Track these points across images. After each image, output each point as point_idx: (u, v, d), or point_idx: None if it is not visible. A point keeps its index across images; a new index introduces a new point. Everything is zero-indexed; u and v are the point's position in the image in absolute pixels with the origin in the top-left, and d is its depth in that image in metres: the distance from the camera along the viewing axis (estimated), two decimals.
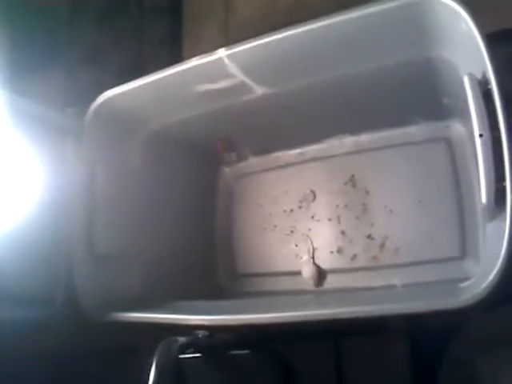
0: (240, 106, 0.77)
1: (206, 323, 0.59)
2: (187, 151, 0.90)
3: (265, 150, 0.93)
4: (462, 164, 0.76)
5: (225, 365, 0.62)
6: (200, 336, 0.59)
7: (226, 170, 0.98)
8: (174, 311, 0.65)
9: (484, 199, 0.48)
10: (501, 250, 0.46)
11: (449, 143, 0.78)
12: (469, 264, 0.73)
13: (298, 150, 0.91)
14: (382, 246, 0.79)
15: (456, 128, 0.77)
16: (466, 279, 0.71)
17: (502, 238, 0.46)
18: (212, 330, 0.60)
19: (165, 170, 0.85)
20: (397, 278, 0.77)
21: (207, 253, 0.93)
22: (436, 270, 0.75)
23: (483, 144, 0.48)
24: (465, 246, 0.74)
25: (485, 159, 0.48)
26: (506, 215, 0.46)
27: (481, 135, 0.48)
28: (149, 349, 0.58)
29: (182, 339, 0.57)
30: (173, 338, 0.56)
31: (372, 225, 0.81)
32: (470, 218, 0.73)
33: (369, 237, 0.81)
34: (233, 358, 0.62)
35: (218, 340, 0.61)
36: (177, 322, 0.61)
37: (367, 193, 0.82)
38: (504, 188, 0.48)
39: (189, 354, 0.59)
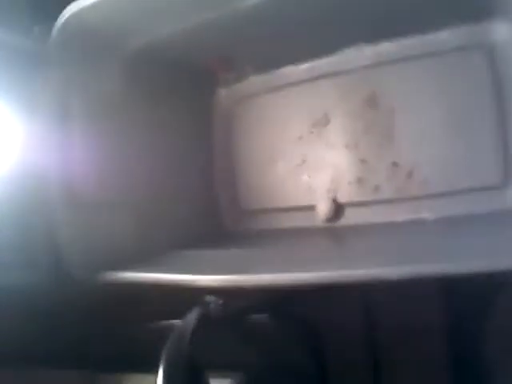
0: (236, 14, 0.62)
1: (216, 284, 0.50)
2: (176, 74, 0.75)
3: (268, 66, 0.79)
4: (507, 76, 0.63)
5: (243, 335, 0.54)
6: (212, 306, 0.50)
7: (223, 92, 0.84)
8: (175, 267, 0.56)
9: None
10: None
11: (490, 50, 0.64)
12: None
13: (306, 65, 0.77)
14: (410, 174, 0.69)
15: (499, 31, 0.64)
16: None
17: None
18: (223, 292, 0.51)
19: (151, 97, 0.72)
20: (427, 211, 0.68)
21: (207, 191, 0.82)
22: (473, 200, 0.65)
23: None
24: (508, 173, 0.63)
25: None
26: None
27: None
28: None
29: (191, 322, 0.48)
30: (181, 326, 0.47)
31: (397, 151, 0.70)
32: None
33: (394, 164, 0.70)
34: (251, 326, 0.54)
35: (232, 308, 0.53)
36: (181, 282, 0.51)
37: (391, 113, 0.70)
38: None
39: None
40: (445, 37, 0.67)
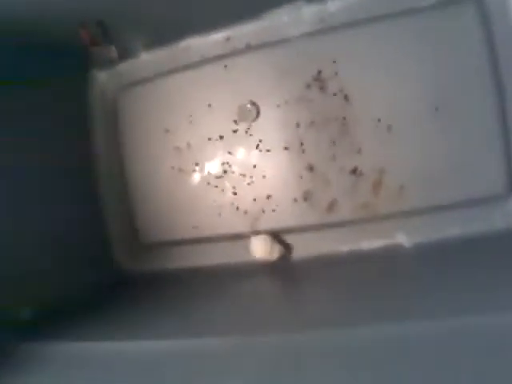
0: None
1: None
2: (31, 54, 0.48)
3: (165, 37, 0.54)
4: (505, 42, 0.46)
5: None
6: None
7: (102, 75, 0.59)
8: None
9: None
10: None
11: (480, 4, 0.46)
12: None
13: (220, 35, 0.53)
14: (378, 184, 0.49)
15: None
16: None
17: None
18: None
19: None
20: (403, 234, 0.49)
21: (89, 223, 0.56)
22: (463, 216, 0.47)
23: None
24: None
25: None
26: None
27: None
28: None
29: None
30: None
31: (358, 151, 0.49)
32: None
33: (354, 172, 0.50)
34: None
35: None
36: None
37: (347, 99, 0.50)
38: None
39: None
40: None
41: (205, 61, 0.54)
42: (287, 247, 0.51)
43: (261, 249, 0.50)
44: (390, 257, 0.48)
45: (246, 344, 0.33)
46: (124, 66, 0.58)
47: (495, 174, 0.46)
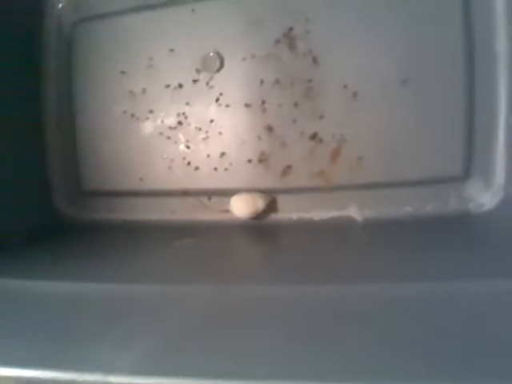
0: None
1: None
2: None
3: None
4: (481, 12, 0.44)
5: None
6: None
7: (59, 5, 0.54)
8: None
9: None
10: None
11: None
12: (476, 189, 0.45)
13: None
14: (336, 153, 0.47)
15: None
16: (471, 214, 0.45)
17: None
18: None
19: None
20: (355, 206, 0.48)
21: (32, 167, 0.52)
22: (418, 195, 0.46)
23: None
24: (472, 159, 0.45)
25: None
26: None
27: None
28: None
29: None
30: None
31: (321, 117, 0.47)
32: (486, 110, 0.44)
33: (314, 137, 0.48)
34: None
35: None
36: None
37: (315, 60, 0.47)
38: None
39: None
40: None
41: (171, 2, 0.51)
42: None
43: (241, 206, 0.48)
44: (339, 229, 0.47)
45: (179, 293, 0.31)
46: (79, 1, 0.53)
47: (455, 157, 0.45)
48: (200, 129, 0.50)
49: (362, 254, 0.39)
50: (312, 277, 0.33)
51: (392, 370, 0.22)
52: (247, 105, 0.49)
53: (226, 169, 0.50)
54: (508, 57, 0.43)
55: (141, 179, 0.52)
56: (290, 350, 0.24)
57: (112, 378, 0.23)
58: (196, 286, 0.32)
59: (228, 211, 0.50)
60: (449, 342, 0.23)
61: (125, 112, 0.52)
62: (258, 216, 0.49)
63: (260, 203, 0.48)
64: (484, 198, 0.44)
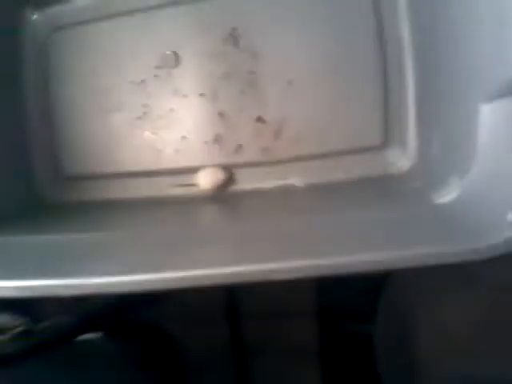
0: None
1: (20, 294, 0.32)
2: None
3: None
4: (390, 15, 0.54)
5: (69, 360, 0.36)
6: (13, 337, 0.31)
7: (35, 17, 0.62)
8: None
9: None
10: None
11: None
12: (395, 155, 0.54)
13: None
14: (278, 132, 0.56)
15: None
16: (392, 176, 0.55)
17: None
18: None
19: None
20: (296, 176, 0.57)
21: (17, 152, 0.60)
22: (347, 163, 0.55)
23: None
24: (389, 133, 0.55)
25: None
26: None
27: None
28: None
29: None
30: None
31: (263, 103, 0.56)
32: (397, 89, 0.53)
33: (259, 120, 0.57)
34: (79, 349, 0.37)
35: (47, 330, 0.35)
36: None
37: (255, 55, 0.56)
38: None
39: None
40: None
41: (133, 10, 0.59)
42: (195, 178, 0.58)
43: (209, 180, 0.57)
44: (285, 194, 0.56)
45: None
46: (58, 8, 0.61)
47: (374, 129, 0.54)
48: (162, 117, 0.59)
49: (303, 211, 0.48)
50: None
51: None
52: (201, 94, 0.57)
53: (186, 150, 0.58)
54: (411, 41, 0.53)
55: (115, 162, 0.60)
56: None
57: None
58: None
59: (193, 185, 0.58)
60: None
61: (97, 106, 0.60)
62: (219, 188, 0.57)
63: (220, 175, 0.57)
64: (401, 161, 0.54)
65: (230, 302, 0.58)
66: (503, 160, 0.32)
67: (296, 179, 0.56)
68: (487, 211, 0.30)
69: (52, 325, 0.37)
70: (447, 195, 0.36)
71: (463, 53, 0.38)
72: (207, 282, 0.32)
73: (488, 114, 0.33)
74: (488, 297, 0.46)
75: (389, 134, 0.54)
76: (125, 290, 0.33)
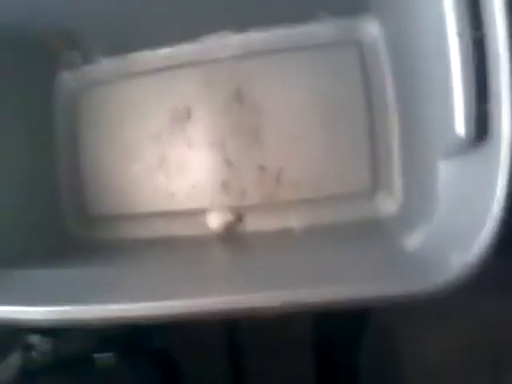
0: None
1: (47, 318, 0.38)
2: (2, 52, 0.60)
3: (121, 48, 0.67)
4: (376, 76, 0.61)
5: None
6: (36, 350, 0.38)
7: (67, 75, 0.71)
8: None
9: (460, 126, 0.33)
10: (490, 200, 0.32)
11: (361, 47, 0.61)
12: (381, 201, 0.60)
13: (165, 51, 0.67)
14: (278, 178, 0.63)
15: (371, 28, 0.61)
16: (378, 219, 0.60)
17: (492, 183, 0.32)
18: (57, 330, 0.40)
19: None
20: (294, 219, 0.63)
21: (48, 194, 0.68)
22: (341, 208, 0.62)
23: (463, 45, 0.32)
24: (377, 179, 0.61)
25: (465, 69, 0.32)
26: (493, 148, 0.32)
27: (459, 34, 0.32)
28: None
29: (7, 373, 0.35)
30: None
31: (264, 152, 0.63)
32: (383, 145, 0.60)
33: (261, 168, 0.64)
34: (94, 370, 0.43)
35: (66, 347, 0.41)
36: None
37: (258, 112, 0.64)
38: (485, 112, 0.33)
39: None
40: (317, 29, 0.63)
41: (151, 70, 0.67)
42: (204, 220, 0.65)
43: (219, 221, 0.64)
44: (284, 235, 0.62)
45: None
46: (86, 68, 0.70)
47: (363, 175, 0.61)
48: (176, 165, 0.66)
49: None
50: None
51: None
52: (211, 145, 0.65)
53: (197, 193, 0.65)
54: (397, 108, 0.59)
55: (134, 205, 0.67)
56: None
57: None
58: None
59: (203, 226, 0.65)
60: None
61: (119, 155, 0.68)
62: (227, 228, 0.64)
63: (227, 217, 0.64)
64: (389, 205, 0.60)
65: (232, 336, 0.63)
66: (456, 212, 0.38)
67: (294, 222, 0.62)
68: (438, 256, 0.36)
69: (74, 345, 0.43)
70: (414, 239, 0.42)
71: (423, 115, 0.45)
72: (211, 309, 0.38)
73: (444, 170, 0.40)
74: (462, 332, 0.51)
75: (376, 181, 0.61)
76: (140, 315, 0.39)
